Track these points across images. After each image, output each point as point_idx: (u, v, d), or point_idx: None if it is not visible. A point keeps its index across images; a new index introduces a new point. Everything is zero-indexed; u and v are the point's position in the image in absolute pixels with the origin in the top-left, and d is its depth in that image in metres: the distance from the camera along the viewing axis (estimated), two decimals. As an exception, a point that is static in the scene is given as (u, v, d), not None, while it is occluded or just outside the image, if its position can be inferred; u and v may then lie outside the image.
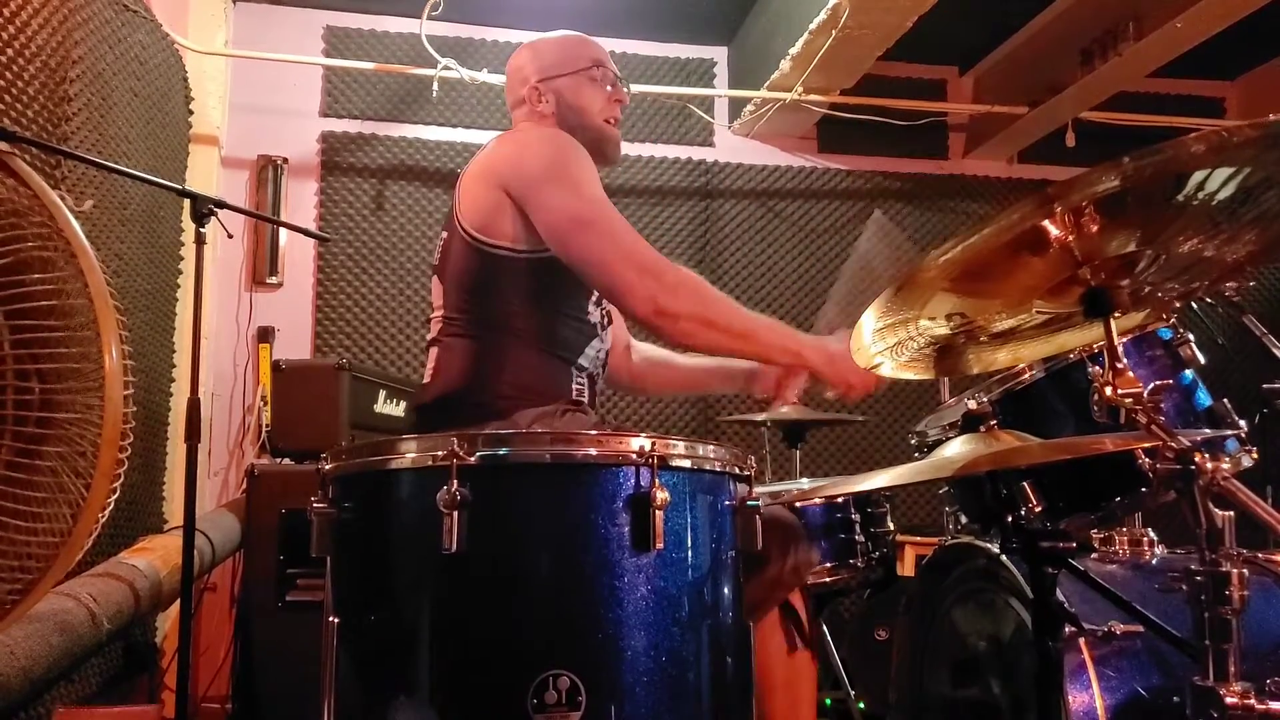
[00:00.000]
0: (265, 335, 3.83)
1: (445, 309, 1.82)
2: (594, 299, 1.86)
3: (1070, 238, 1.12)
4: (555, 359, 1.78)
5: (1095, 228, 1.10)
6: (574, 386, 1.80)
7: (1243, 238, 1.17)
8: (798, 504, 2.24)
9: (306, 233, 2.97)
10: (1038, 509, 1.35)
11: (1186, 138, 0.95)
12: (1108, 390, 1.14)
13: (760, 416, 2.74)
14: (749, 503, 1.25)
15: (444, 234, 1.87)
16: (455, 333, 1.79)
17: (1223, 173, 1.02)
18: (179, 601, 2.14)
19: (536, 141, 1.83)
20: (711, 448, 1.24)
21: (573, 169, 1.73)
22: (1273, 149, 0.98)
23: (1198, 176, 1.03)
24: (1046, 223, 1.10)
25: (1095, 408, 1.16)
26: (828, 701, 2.77)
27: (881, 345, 1.42)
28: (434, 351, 1.83)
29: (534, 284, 1.75)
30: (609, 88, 1.96)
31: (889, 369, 1.50)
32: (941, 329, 1.34)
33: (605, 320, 1.91)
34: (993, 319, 1.34)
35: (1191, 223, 1.13)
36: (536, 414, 1.69)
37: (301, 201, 3.95)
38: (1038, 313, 1.32)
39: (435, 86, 3.76)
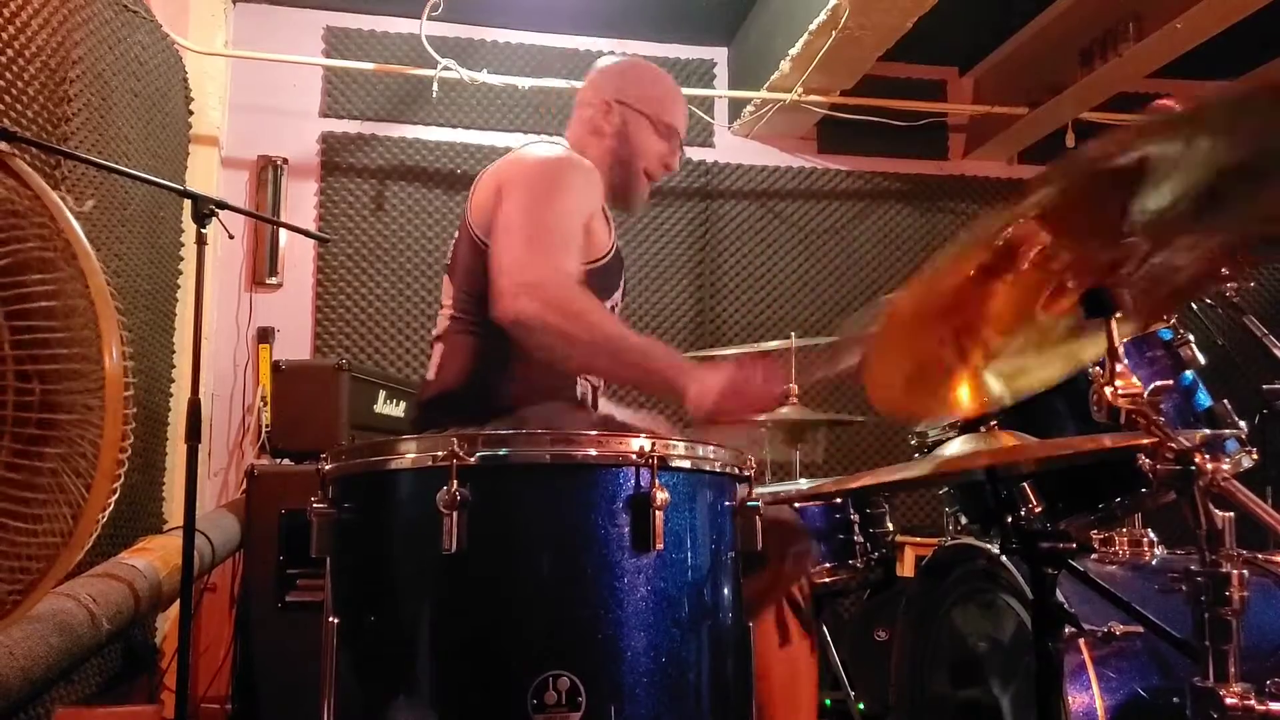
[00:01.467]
0: (265, 335, 3.83)
1: (453, 306, 1.82)
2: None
3: (1034, 251, 1.11)
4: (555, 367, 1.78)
5: (1058, 235, 1.10)
6: (578, 391, 1.80)
7: (1218, 230, 1.16)
8: (797, 504, 2.24)
9: (306, 233, 2.98)
10: (1038, 510, 1.35)
11: (1109, 134, 0.95)
12: (1107, 391, 1.14)
13: (760, 417, 2.73)
14: (749, 503, 1.25)
15: (458, 233, 1.88)
16: (461, 330, 1.79)
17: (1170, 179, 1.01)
18: (179, 601, 2.14)
19: (545, 154, 1.82)
20: (711, 448, 1.24)
21: (552, 186, 1.71)
22: (1204, 134, 0.97)
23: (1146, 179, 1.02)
24: (999, 243, 1.09)
25: (1095, 408, 1.16)
26: (828, 702, 2.77)
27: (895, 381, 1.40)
28: (438, 348, 1.83)
29: None
30: (669, 151, 1.95)
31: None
32: (953, 358, 1.32)
33: None
34: (997, 341, 1.32)
35: (1160, 220, 1.11)
36: (539, 410, 1.69)
37: (301, 202, 3.94)
38: (1044, 324, 1.30)
39: (435, 87, 3.76)
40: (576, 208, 1.71)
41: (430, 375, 1.84)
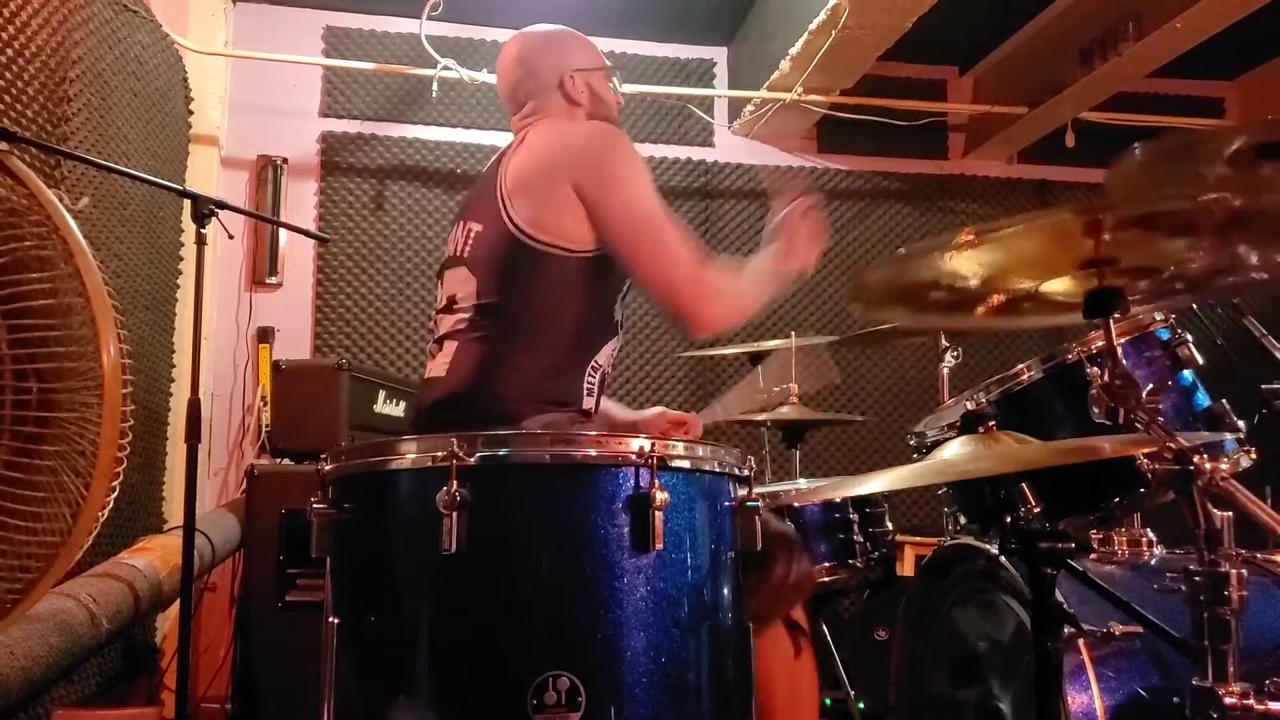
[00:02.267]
0: (265, 335, 3.83)
1: (476, 300, 1.77)
2: (621, 297, 1.86)
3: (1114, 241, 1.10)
4: (574, 357, 1.77)
5: (1139, 236, 1.08)
6: (585, 385, 1.79)
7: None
8: (797, 504, 2.23)
9: (306, 233, 2.97)
10: (1036, 510, 1.35)
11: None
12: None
13: (760, 416, 2.74)
14: (748, 504, 1.25)
15: (475, 225, 1.82)
16: (480, 328, 1.75)
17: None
18: (179, 601, 2.14)
19: (604, 135, 1.84)
20: (710, 448, 1.24)
21: (640, 170, 1.78)
22: None
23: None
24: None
25: (1094, 408, 1.16)
26: (828, 702, 2.77)
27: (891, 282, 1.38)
28: (451, 345, 1.78)
29: (578, 282, 1.74)
30: (614, 90, 2.04)
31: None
32: (949, 279, 1.30)
33: (624, 318, 1.91)
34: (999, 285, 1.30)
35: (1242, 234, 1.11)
36: (541, 420, 1.69)
37: (301, 201, 3.94)
38: (1039, 292, 1.29)
39: (435, 87, 3.76)
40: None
41: (438, 373, 1.78)
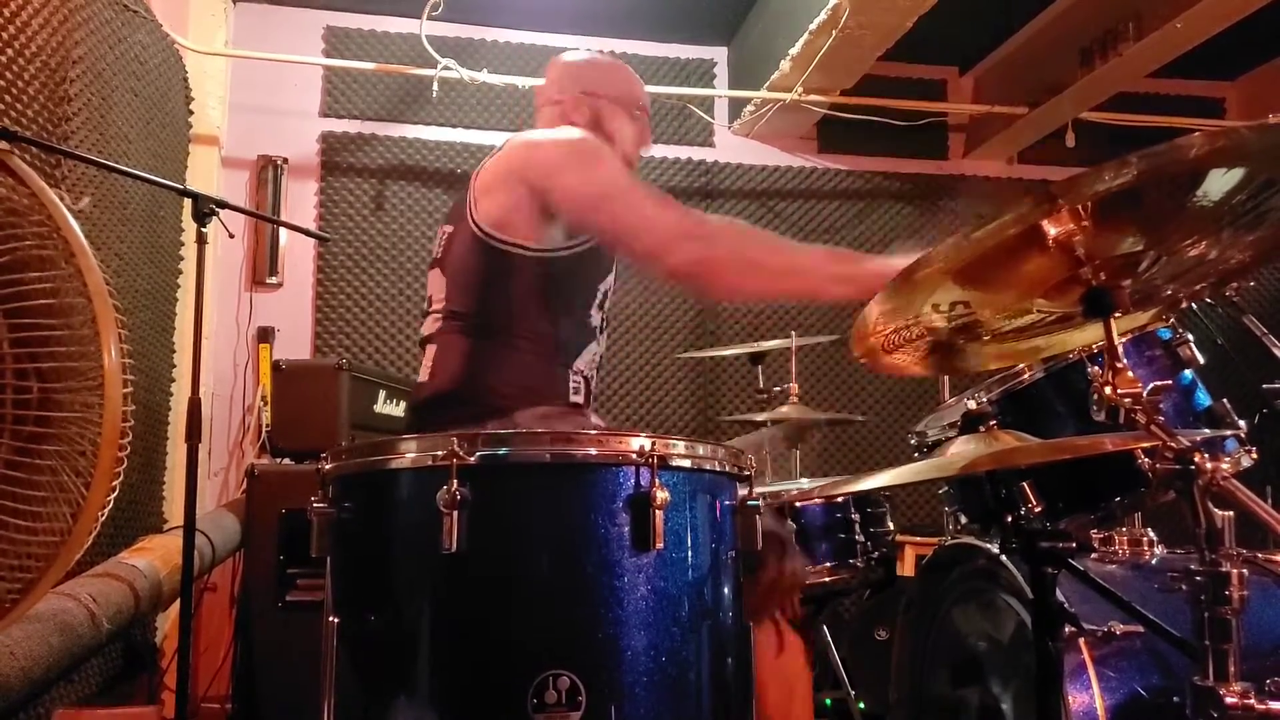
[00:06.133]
0: (265, 335, 3.83)
1: (447, 304, 1.81)
2: (598, 302, 1.86)
3: (1074, 236, 1.12)
4: (553, 361, 1.78)
5: (1099, 227, 1.10)
6: (570, 387, 1.80)
7: (1245, 239, 1.17)
8: (798, 504, 2.23)
9: (306, 233, 2.97)
10: (1037, 509, 1.35)
11: (1186, 139, 0.95)
12: (1107, 390, 1.14)
13: (760, 417, 2.74)
14: (749, 503, 1.25)
15: (448, 227, 1.86)
16: (455, 330, 1.78)
17: (1233, 175, 1.02)
18: (179, 601, 2.14)
19: (556, 136, 1.85)
20: (711, 447, 1.24)
21: (592, 153, 1.76)
22: (1274, 152, 0.98)
23: (1208, 177, 1.03)
24: (1049, 221, 1.10)
25: (1095, 408, 1.16)
26: (828, 702, 2.77)
27: (879, 330, 1.41)
28: (431, 349, 1.81)
29: (543, 285, 1.75)
30: (643, 130, 2.02)
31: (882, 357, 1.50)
32: (941, 322, 1.34)
33: (604, 324, 1.91)
34: (993, 317, 1.34)
35: (1196, 224, 1.12)
36: (536, 414, 1.69)
37: (301, 201, 3.95)
38: (1039, 311, 1.31)
39: (435, 87, 3.77)
40: (618, 161, 1.80)
41: (423, 377, 1.81)
